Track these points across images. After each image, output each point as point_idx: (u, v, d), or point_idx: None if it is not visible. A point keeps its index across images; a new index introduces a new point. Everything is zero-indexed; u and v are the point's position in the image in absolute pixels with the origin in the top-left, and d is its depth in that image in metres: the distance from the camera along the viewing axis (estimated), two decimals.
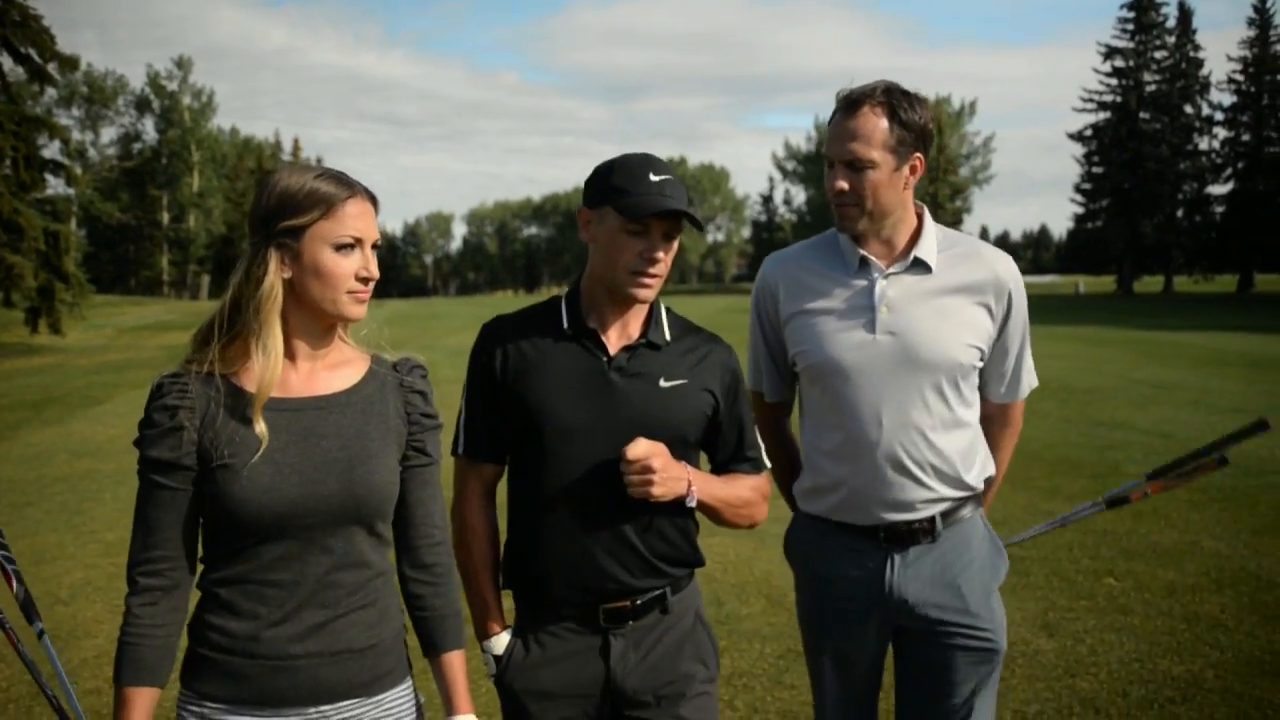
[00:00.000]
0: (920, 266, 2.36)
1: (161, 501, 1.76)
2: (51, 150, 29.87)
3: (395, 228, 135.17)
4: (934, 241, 2.39)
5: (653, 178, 2.02)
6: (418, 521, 1.95)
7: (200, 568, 1.83)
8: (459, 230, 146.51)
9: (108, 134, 76.18)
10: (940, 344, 2.31)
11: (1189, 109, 57.25)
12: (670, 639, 2.15)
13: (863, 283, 2.36)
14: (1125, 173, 55.99)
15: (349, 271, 1.78)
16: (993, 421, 2.53)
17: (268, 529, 1.74)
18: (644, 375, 2.11)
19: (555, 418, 2.07)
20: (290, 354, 1.83)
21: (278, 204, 1.77)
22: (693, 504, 2.09)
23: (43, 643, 2.41)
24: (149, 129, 76.06)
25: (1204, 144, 57.98)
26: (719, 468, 2.25)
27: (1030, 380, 2.53)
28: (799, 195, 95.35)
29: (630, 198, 2.01)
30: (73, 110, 70.83)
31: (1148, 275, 61.69)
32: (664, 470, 2.01)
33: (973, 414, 2.41)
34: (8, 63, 27.47)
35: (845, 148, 2.27)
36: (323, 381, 1.86)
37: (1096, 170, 58.30)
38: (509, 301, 68.57)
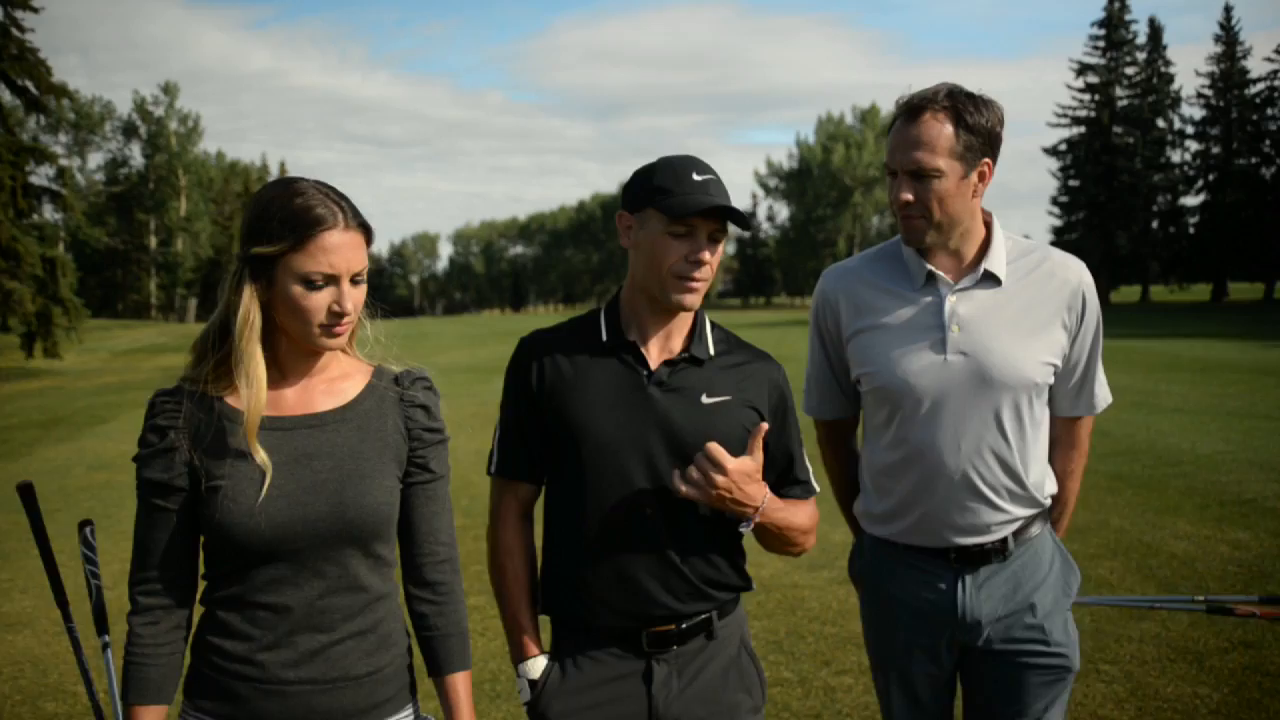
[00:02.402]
0: (990, 280, 2.25)
1: (158, 522, 1.75)
2: (39, 177, 30.42)
3: (381, 249, 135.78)
4: (1003, 252, 2.27)
5: (696, 177, 1.95)
6: (421, 539, 1.90)
7: (203, 584, 1.82)
8: (445, 250, 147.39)
9: (95, 159, 76.88)
10: (1014, 363, 2.20)
11: (1161, 123, 58.54)
12: (715, 666, 2.07)
13: (930, 299, 2.25)
14: (1099, 186, 57.17)
15: (320, 307, 1.70)
16: (1058, 443, 2.40)
17: (256, 552, 1.71)
18: (685, 390, 2.02)
19: (592, 433, 1.99)
20: (282, 371, 1.79)
21: (253, 225, 1.71)
22: (744, 529, 2.01)
23: (105, 656, 2.41)
24: (136, 154, 76.65)
25: (1176, 157, 59.31)
26: (773, 491, 2.09)
27: (1104, 394, 2.38)
28: (782, 211, 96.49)
29: (674, 197, 1.93)
30: (60, 136, 71.29)
31: (1125, 285, 62.90)
32: (729, 489, 1.92)
33: (1044, 431, 2.32)
34: (5, 95, 28.19)
35: (909, 156, 2.15)
36: (319, 398, 1.81)
37: (1073, 183, 59.47)
38: (497, 321, 69.24)
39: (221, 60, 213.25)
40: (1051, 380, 2.27)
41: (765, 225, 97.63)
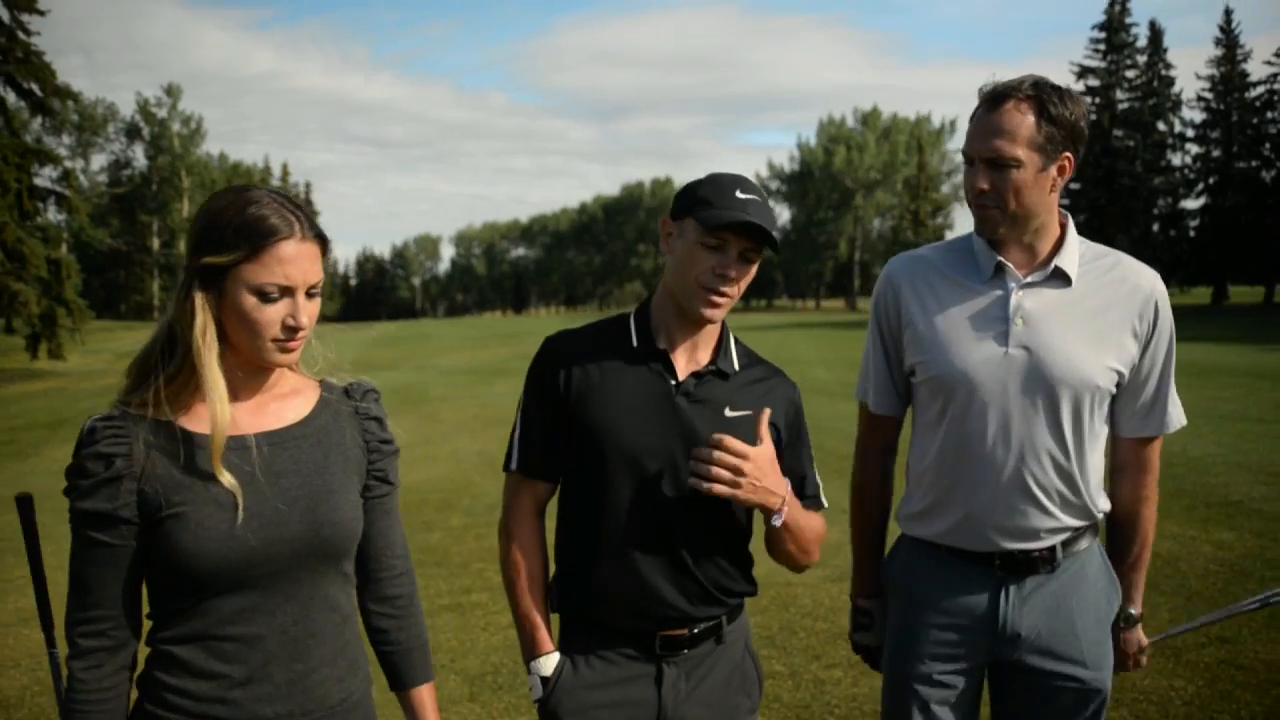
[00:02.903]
0: (1060, 278, 2.20)
1: (99, 558, 1.62)
2: (43, 179, 30.63)
3: (383, 250, 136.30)
4: (1076, 252, 2.23)
5: (739, 195, 1.97)
6: (379, 553, 1.86)
7: (147, 624, 1.70)
8: (447, 252, 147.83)
9: (98, 161, 77.15)
10: (1077, 363, 2.15)
11: (1161, 126, 58.66)
12: (721, 669, 2.12)
13: (997, 292, 2.21)
14: (1100, 189, 57.31)
15: (273, 320, 1.63)
16: (1127, 468, 2.31)
17: (225, 580, 1.61)
18: (710, 403, 2.05)
19: (618, 439, 2.01)
20: (232, 389, 1.68)
21: (202, 234, 1.63)
22: (777, 523, 2.02)
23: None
24: (139, 156, 76.89)
25: (1176, 160, 59.41)
26: None
27: (1177, 414, 2.28)
28: (783, 214, 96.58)
29: (712, 209, 1.96)
30: (63, 138, 71.58)
31: None
32: (759, 476, 1.94)
33: (1102, 444, 2.25)
34: (11, 97, 28.40)
35: (988, 144, 2.12)
36: (273, 415, 1.74)
37: (1073, 186, 59.63)
38: (498, 323, 69.41)
39: (223, 61, 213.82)
40: (1113, 388, 2.20)
41: None
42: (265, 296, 1.61)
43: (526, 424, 2.12)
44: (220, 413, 1.61)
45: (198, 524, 1.59)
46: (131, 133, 76.61)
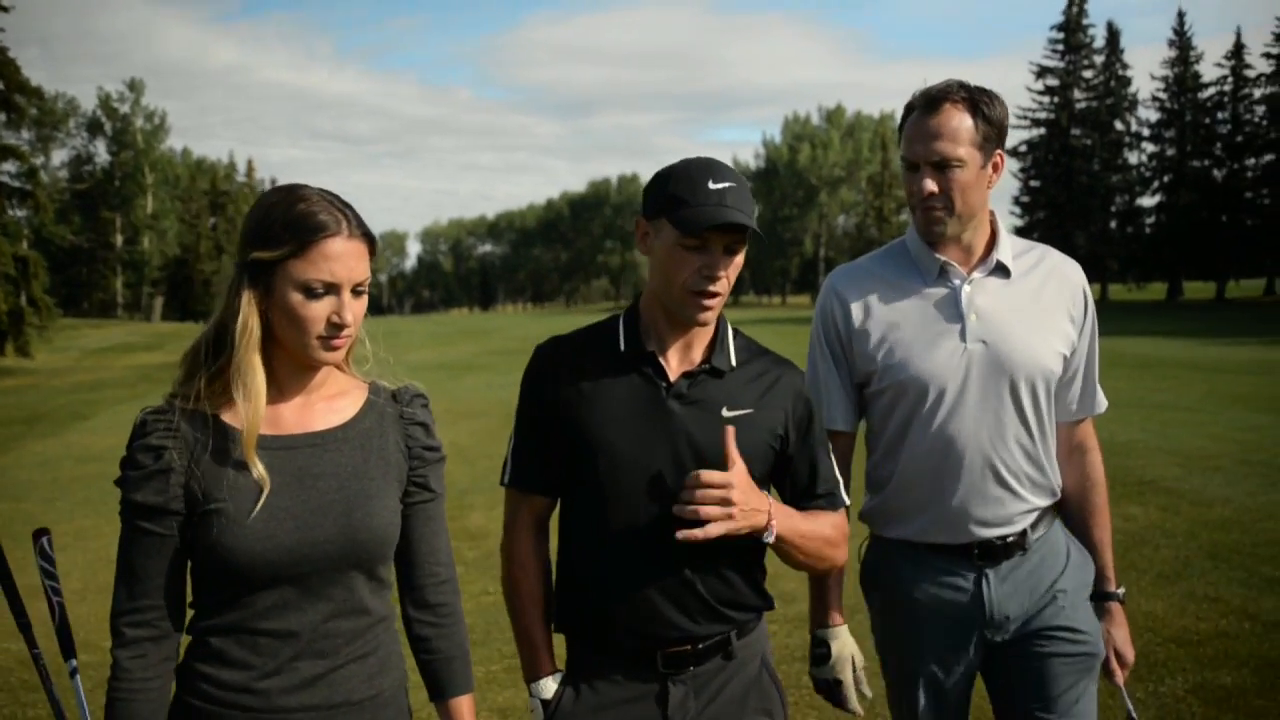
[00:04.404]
0: (1001, 271, 2.27)
1: (148, 548, 1.65)
2: (3, 175, 30.52)
3: None
4: (1010, 246, 2.30)
5: (712, 185, 1.85)
6: (422, 560, 1.85)
7: (189, 613, 1.73)
8: (413, 248, 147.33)
9: (58, 156, 76.38)
10: (1032, 350, 2.22)
11: (1119, 125, 59.91)
12: (734, 688, 2.00)
13: (944, 290, 2.25)
14: (1059, 187, 58.45)
15: (319, 317, 1.64)
16: (1075, 451, 2.38)
17: (261, 577, 1.64)
18: (704, 403, 1.95)
19: (609, 448, 1.93)
20: (279, 387, 1.72)
21: (254, 230, 1.66)
22: (770, 539, 1.90)
23: (74, 682, 2.25)
24: (101, 151, 76.31)
25: (1133, 158, 60.74)
26: (792, 505, 2.03)
27: (1102, 396, 2.38)
28: None
29: (687, 209, 1.84)
30: (22, 133, 70.85)
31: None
32: (744, 501, 1.83)
33: (1053, 426, 2.31)
34: None
35: (931, 147, 2.15)
36: (319, 416, 1.75)
37: (1034, 184, 60.75)
38: (466, 319, 69.47)
39: (185, 55, 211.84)
40: (1060, 370, 2.27)
41: None
42: (311, 293, 1.64)
43: (521, 437, 2.04)
44: (254, 406, 1.64)
45: (236, 520, 1.62)
46: (93, 128, 75.99)
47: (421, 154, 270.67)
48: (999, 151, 2.23)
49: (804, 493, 2.05)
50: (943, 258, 2.25)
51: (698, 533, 1.80)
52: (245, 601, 1.66)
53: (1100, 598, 2.39)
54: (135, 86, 76.38)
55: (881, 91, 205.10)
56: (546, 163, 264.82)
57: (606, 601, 1.95)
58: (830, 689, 2.29)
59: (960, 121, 2.15)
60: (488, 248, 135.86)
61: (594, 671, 1.99)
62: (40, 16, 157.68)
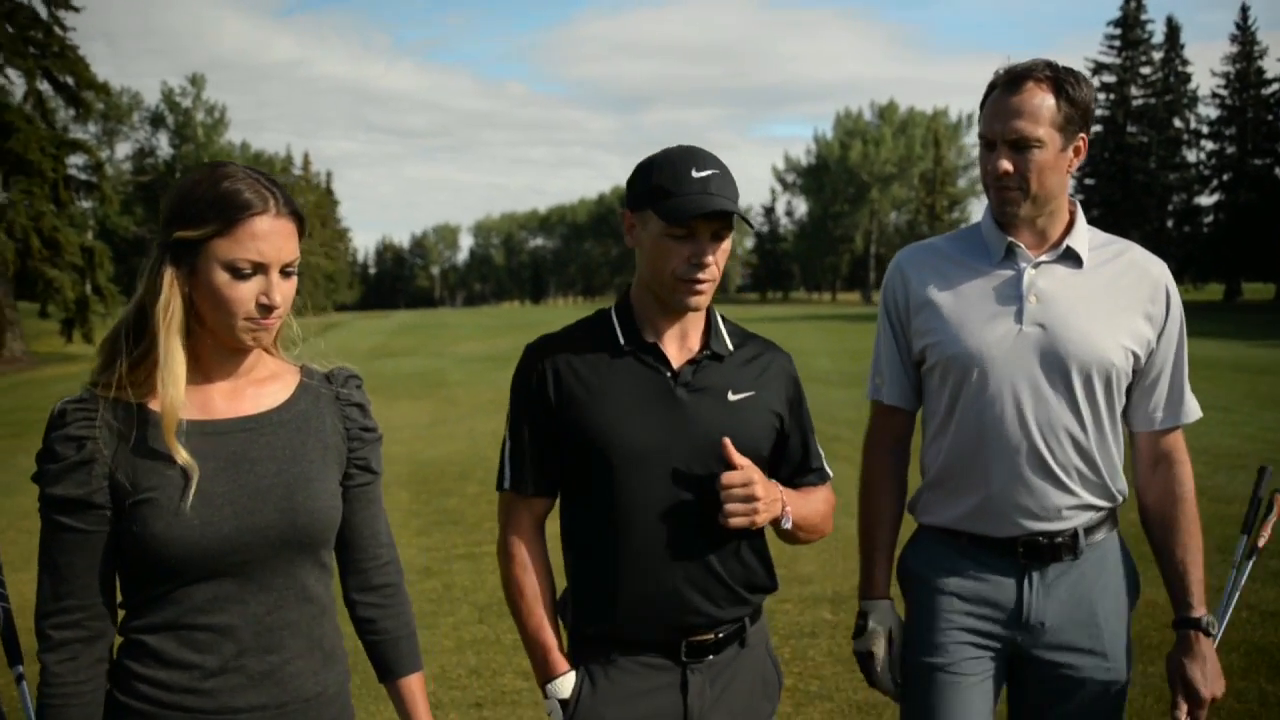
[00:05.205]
0: (1072, 258, 2.19)
1: (71, 545, 1.57)
2: (72, 168, 31.53)
3: (402, 239, 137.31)
4: (1086, 236, 2.22)
5: (695, 174, 1.88)
6: (364, 543, 1.83)
7: (120, 613, 1.65)
8: (465, 242, 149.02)
9: (122, 149, 78.26)
10: (1093, 339, 2.13)
11: (1177, 122, 58.86)
12: (744, 673, 2.06)
13: (1009, 272, 2.20)
14: (1114, 185, 57.62)
15: (245, 297, 1.59)
16: (1159, 463, 2.25)
17: (198, 568, 1.58)
18: (711, 389, 1.98)
19: (623, 441, 1.93)
20: (205, 372, 1.67)
21: (175, 208, 1.59)
22: (788, 525, 1.99)
23: (20, 689, 2.18)
24: (163, 144, 78.05)
25: (1191, 156, 59.61)
26: (784, 483, 2.08)
27: (1193, 404, 2.25)
28: (800, 206, 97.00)
29: (672, 199, 1.87)
30: (89, 127, 72.79)
31: None
32: (765, 494, 1.90)
33: (1119, 425, 2.22)
34: (48, 91, 29.48)
35: (1010, 125, 2.10)
36: (250, 400, 1.70)
37: (1088, 182, 59.95)
38: (516, 312, 70.33)
39: (244, 49, 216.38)
40: (1129, 370, 2.18)
41: (784, 220, 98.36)
42: (238, 273, 1.58)
43: (516, 439, 2.03)
44: (172, 392, 1.57)
45: (168, 510, 1.56)
46: (156, 121, 77.80)
47: (475, 148, 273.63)
48: (1082, 135, 2.16)
49: (798, 468, 2.13)
50: (1011, 239, 2.20)
51: (732, 522, 1.88)
52: (179, 596, 1.60)
53: (1182, 624, 2.22)
54: (197, 81, 77.97)
55: (934, 87, 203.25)
56: (598, 157, 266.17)
57: (631, 594, 1.95)
58: (864, 661, 2.30)
59: (1042, 101, 2.10)
60: (539, 241, 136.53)
61: (611, 665, 1.99)
62: (106, 13, 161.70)
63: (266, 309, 1.61)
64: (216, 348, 1.67)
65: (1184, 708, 2.19)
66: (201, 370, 1.67)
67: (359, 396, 1.83)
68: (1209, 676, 2.18)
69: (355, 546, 1.83)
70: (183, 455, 1.57)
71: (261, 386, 1.73)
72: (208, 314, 1.61)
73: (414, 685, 1.86)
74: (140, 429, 1.60)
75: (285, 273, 1.63)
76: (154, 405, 1.61)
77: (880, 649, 2.27)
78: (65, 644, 1.58)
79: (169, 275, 1.59)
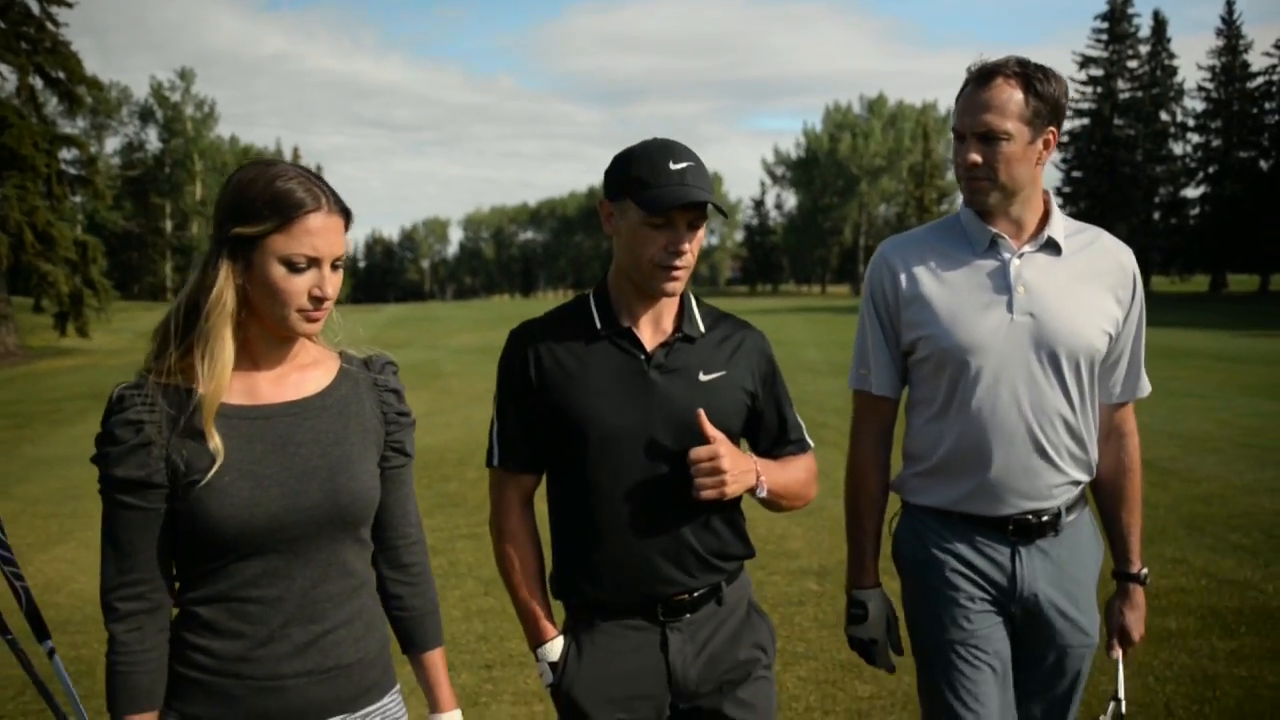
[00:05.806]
0: (1051, 247, 2.30)
1: (134, 523, 1.67)
2: (64, 163, 31.56)
3: (392, 233, 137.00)
4: (1062, 225, 2.32)
5: (672, 166, 1.96)
6: (396, 522, 1.92)
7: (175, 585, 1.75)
8: (455, 235, 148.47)
9: (111, 144, 78.08)
10: (1078, 326, 2.25)
11: (1163, 115, 59.25)
12: (726, 630, 2.14)
13: (994, 263, 2.29)
14: (1101, 177, 58.02)
15: (300, 289, 1.68)
16: (1113, 434, 2.41)
17: (248, 545, 1.67)
18: (682, 370, 2.08)
19: (599, 422, 2.03)
20: (254, 359, 1.76)
21: (232, 205, 1.68)
22: (763, 494, 2.08)
23: (54, 662, 2.25)
24: (152, 138, 77.87)
25: (1177, 149, 60.03)
26: (763, 455, 2.19)
27: (1146, 381, 2.42)
28: (790, 199, 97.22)
29: (650, 190, 1.96)
30: (78, 121, 72.58)
31: None
32: (733, 466, 1.99)
33: (1096, 401, 2.34)
34: (39, 85, 29.57)
35: (978, 119, 2.20)
36: (294, 385, 1.79)
37: (1075, 174, 60.31)
38: (507, 306, 70.42)
39: (234, 43, 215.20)
40: (1105, 350, 2.30)
41: (773, 213, 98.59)
42: (294, 267, 1.67)
43: (503, 418, 2.14)
44: (217, 376, 1.67)
45: (221, 490, 1.65)
46: (145, 116, 77.57)
47: (464, 142, 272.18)
48: (1051, 129, 2.25)
49: (776, 440, 2.22)
50: (994, 230, 2.28)
51: (703, 495, 1.98)
52: (233, 570, 1.69)
53: (1123, 578, 2.45)
54: (186, 75, 77.79)
55: (923, 81, 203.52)
56: (588, 151, 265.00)
57: (609, 565, 2.06)
58: (865, 648, 2.41)
59: (1010, 96, 2.19)
60: (529, 235, 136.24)
61: (596, 628, 2.11)
62: (95, 7, 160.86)
63: (319, 300, 1.70)
64: (264, 336, 1.76)
65: (1118, 647, 2.47)
66: (249, 357, 1.76)
67: (395, 382, 1.92)
68: (1141, 621, 2.46)
69: (387, 526, 1.91)
70: (215, 440, 1.66)
71: (305, 372, 1.82)
72: (262, 305, 1.70)
73: (436, 658, 1.97)
74: (192, 413, 1.68)
75: (335, 266, 1.73)
76: (203, 390, 1.69)
77: (882, 634, 2.40)
78: (131, 615, 1.68)
79: (225, 269, 1.68)
